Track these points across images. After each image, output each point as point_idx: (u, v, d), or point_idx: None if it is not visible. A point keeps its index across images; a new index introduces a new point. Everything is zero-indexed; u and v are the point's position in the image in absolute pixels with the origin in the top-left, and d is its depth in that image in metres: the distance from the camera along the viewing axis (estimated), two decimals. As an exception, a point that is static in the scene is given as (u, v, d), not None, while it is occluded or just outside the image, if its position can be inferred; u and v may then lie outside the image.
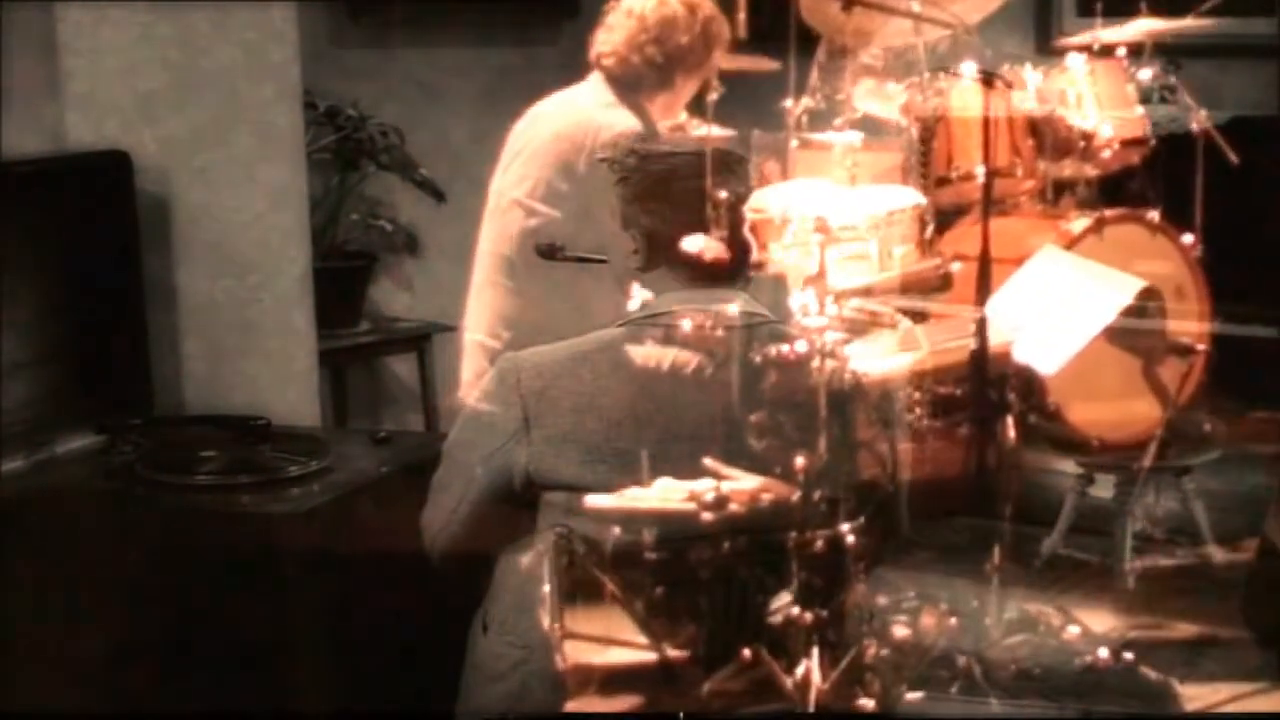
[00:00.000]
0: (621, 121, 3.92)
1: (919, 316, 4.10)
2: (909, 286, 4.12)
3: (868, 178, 4.50)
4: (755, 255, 2.93)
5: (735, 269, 2.81)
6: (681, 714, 2.53)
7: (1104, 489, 4.65)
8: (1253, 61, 6.24)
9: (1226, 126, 4.89)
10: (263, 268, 3.92)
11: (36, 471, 3.50)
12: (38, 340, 3.57)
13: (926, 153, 4.64)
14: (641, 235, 2.80)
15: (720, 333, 2.71)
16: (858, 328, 3.91)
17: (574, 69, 4.13)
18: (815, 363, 2.66)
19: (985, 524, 3.99)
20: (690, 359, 2.71)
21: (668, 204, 2.78)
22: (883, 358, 3.65)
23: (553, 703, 2.59)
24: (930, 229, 4.41)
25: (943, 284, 4.13)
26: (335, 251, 5.51)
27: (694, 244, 2.76)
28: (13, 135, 3.61)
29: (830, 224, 4.02)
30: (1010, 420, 3.78)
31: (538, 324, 3.77)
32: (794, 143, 4.58)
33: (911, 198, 4.41)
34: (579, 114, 4.00)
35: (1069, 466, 4.75)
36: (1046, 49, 5.93)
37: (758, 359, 2.71)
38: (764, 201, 4.14)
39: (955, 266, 4.15)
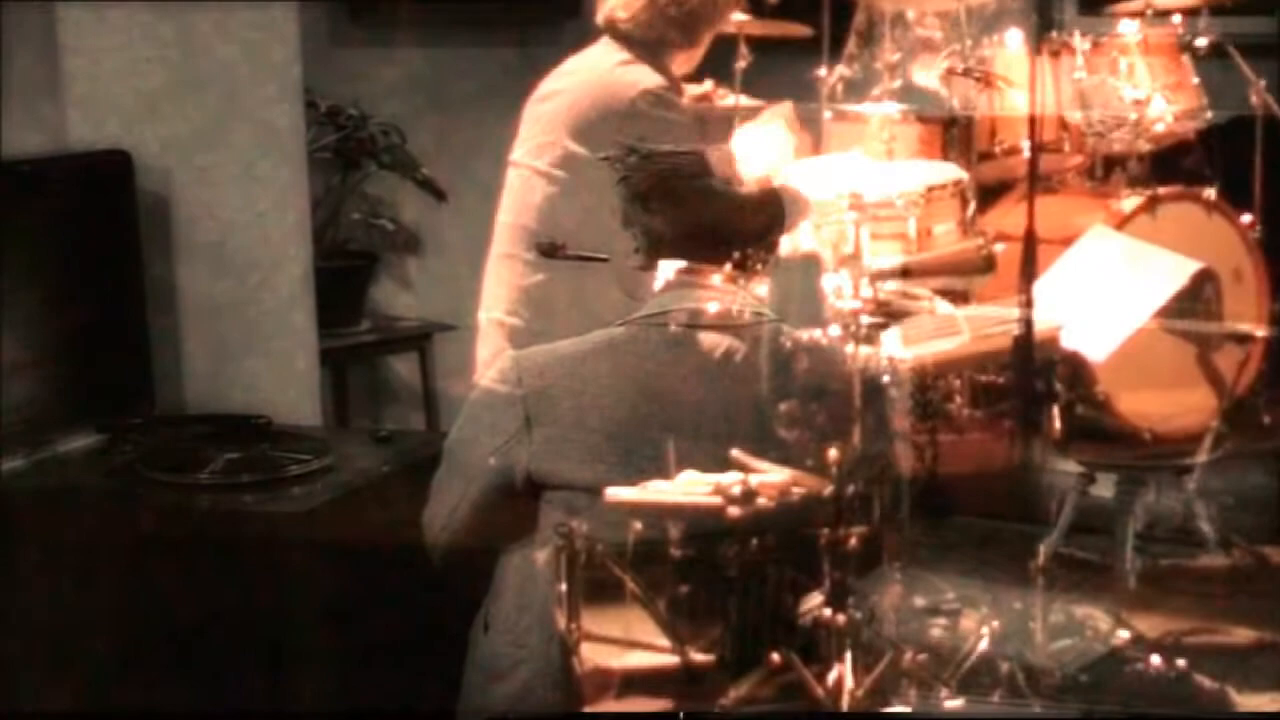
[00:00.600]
0: (645, 78, 3.79)
1: (960, 300, 3.88)
2: (949, 268, 3.86)
3: (906, 152, 4.29)
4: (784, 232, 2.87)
5: (737, 269, 2.81)
6: (681, 714, 2.52)
7: (1104, 489, 4.65)
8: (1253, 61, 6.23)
9: (1228, 125, 4.75)
10: (263, 267, 3.92)
11: (36, 471, 3.50)
12: (38, 340, 3.56)
13: (969, 126, 4.41)
14: (642, 234, 2.80)
15: (721, 332, 2.71)
16: (894, 311, 3.66)
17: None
18: (849, 348, 2.58)
19: (985, 524, 3.97)
20: (691, 358, 2.71)
21: (668, 203, 2.78)
22: (921, 343, 3.52)
23: (553, 703, 2.59)
24: (972, 207, 4.16)
25: (985, 265, 3.79)
26: (336, 251, 5.51)
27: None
28: (13, 135, 3.61)
29: (865, 200, 3.82)
30: (1056, 411, 3.69)
31: (557, 301, 3.71)
32: (828, 114, 4.32)
33: (952, 173, 4.16)
34: (598, 75, 3.86)
35: (1069, 466, 4.74)
36: (1096, 14, 5.33)
37: (787, 344, 2.67)
38: (795, 177, 3.85)
39: (999, 247, 3.81)
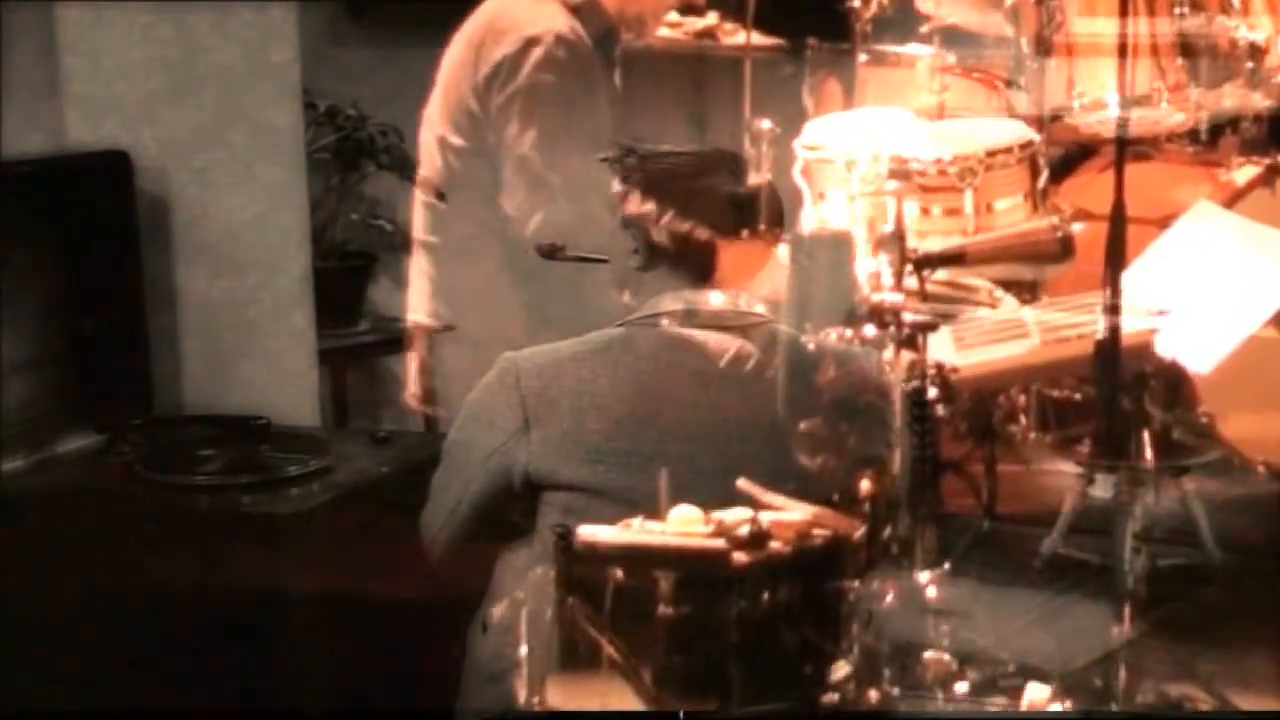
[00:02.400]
0: (541, 20, 3.34)
1: (1027, 294, 3.30)
2: (1015, 253, 3.20)
3: (961, 106, 3.63)
4: (804, 208, 2.60)
5: (737, 268, 2.80)
6: (681, 713, 2.50)
7: (1104, 489, 4.64)
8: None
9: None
10: (263, 268, 3.92)
11: (36, 471, 3.50)
12: (38, 340, 3.57)
13: (1041, 74, 3.62)
14: (641, 235, 2.80)
15: (720, 333, 2.71)
16: (944, 308, 3.09)
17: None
18: (888, 353, 2.20)
19: (986, 523, 3.85)
20: (691, 359, 2.71)
21: (667, 204, 2.78)
22: (978, 349, 2.96)
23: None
24: (1044, 177, 3.43)
25: (1060, 251, 3.15)
26: (335, 251, 5.51)
27: None
28: (13, 135, 3.61)
29: (910, 167, 3.18)
30: (1147, 436, 3.10)
31: (474, 301, 3.44)
32: (862, 57, 3.62)
33: (1019, 133, 3.43)
34: (488, 11, 3.48)
35: (1069, 466, 4.73)
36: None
37: (811, 346, 2.41)
38: (821, 136, 3.32)
39: (1076, 227, 3.20)
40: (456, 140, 3.57)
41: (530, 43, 3.39)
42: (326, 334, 4.47)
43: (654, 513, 2.35)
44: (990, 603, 3.45)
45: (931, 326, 2.61)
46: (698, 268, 2.76)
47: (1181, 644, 3.16)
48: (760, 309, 2.78)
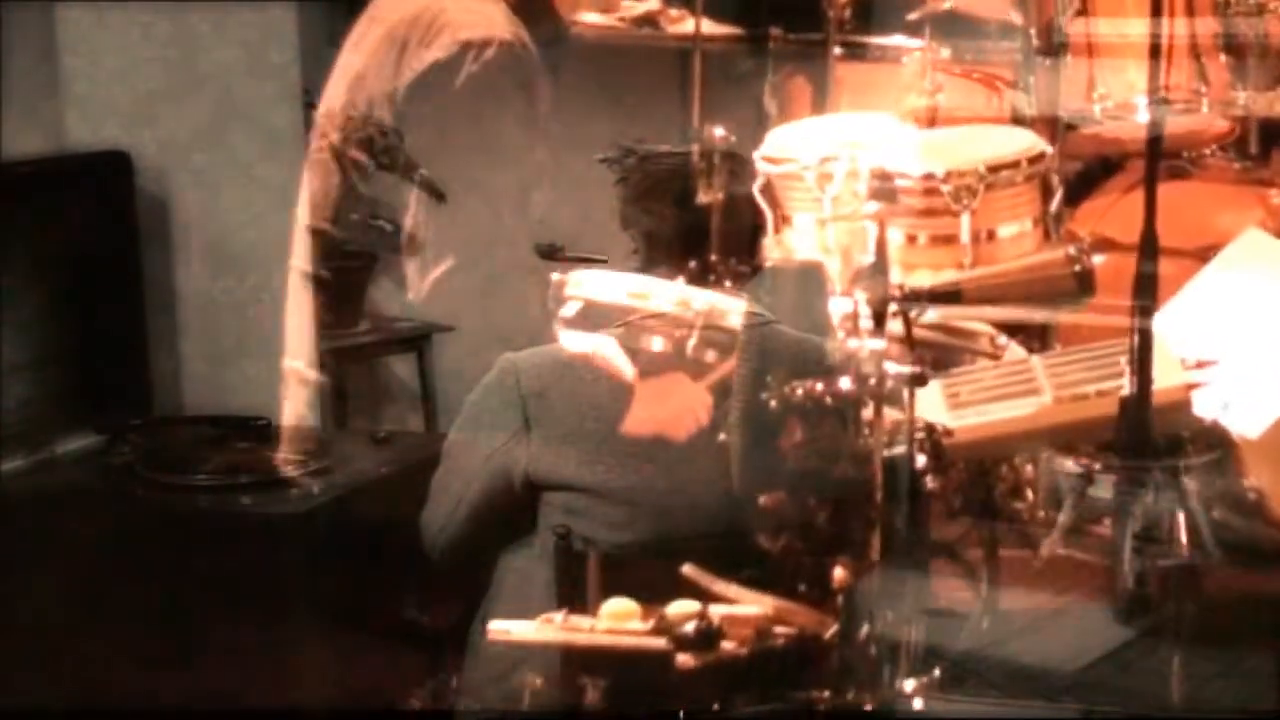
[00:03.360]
0: (481, 23, 2.92)
1: (1038, 340, 2.84)
2: (1022, 290, 2.66)
3: (958, 109, 3.08)
4: (768, 235, 2.28)
5: (737, 268, 2.80)
6: (681, 713, 2.50)
7: (1104, 489, 4.63)
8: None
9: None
10: (263, 268, 3.92)
11: (36, 471, 3.50)
12: (38, 340, 3.57)
13: (1055, 72, 3.04)
14: (641, 235, 2.80)
15: (719, 333, 2.70)
16: (937, 355, 2.65)
17: (574, 69, 4.12)
18: (867, 411, 1.80)
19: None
20: (690, 361, 2.70)
21: (667, 204, 2.78)
22: (976, 408, 2.45)
23: (551, 703, 2.58)
24: (1058, 197, 2.76)
25: (1078, 288, 2.64)
26: (335, 251, 5.50)
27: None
28: (13, 135, 3.61)
29: (895, 184, 2.51)
30: (1182, 518, 2.56)
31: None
32: (838, 50, 3.05)
33: (1027, 143, 2.77)
34: (416, 1, 3.00)
35: (1069, 466, 4.72)
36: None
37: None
38: (786, 146, 2.76)
39: (1097, 260, 2.68)
40: (357, 154, 3.19)
41: (467, 48, 2.96)
42: (326, 334, 4.47)
43: (654, 513, 2.34)
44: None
45: (920, 380, 2.16)
46: (697, 268, 2.76)
47: (1181, 644, 2.92)
48: (760, 309, 2.78)
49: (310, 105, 4.93)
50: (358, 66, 3.06)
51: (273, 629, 3.20)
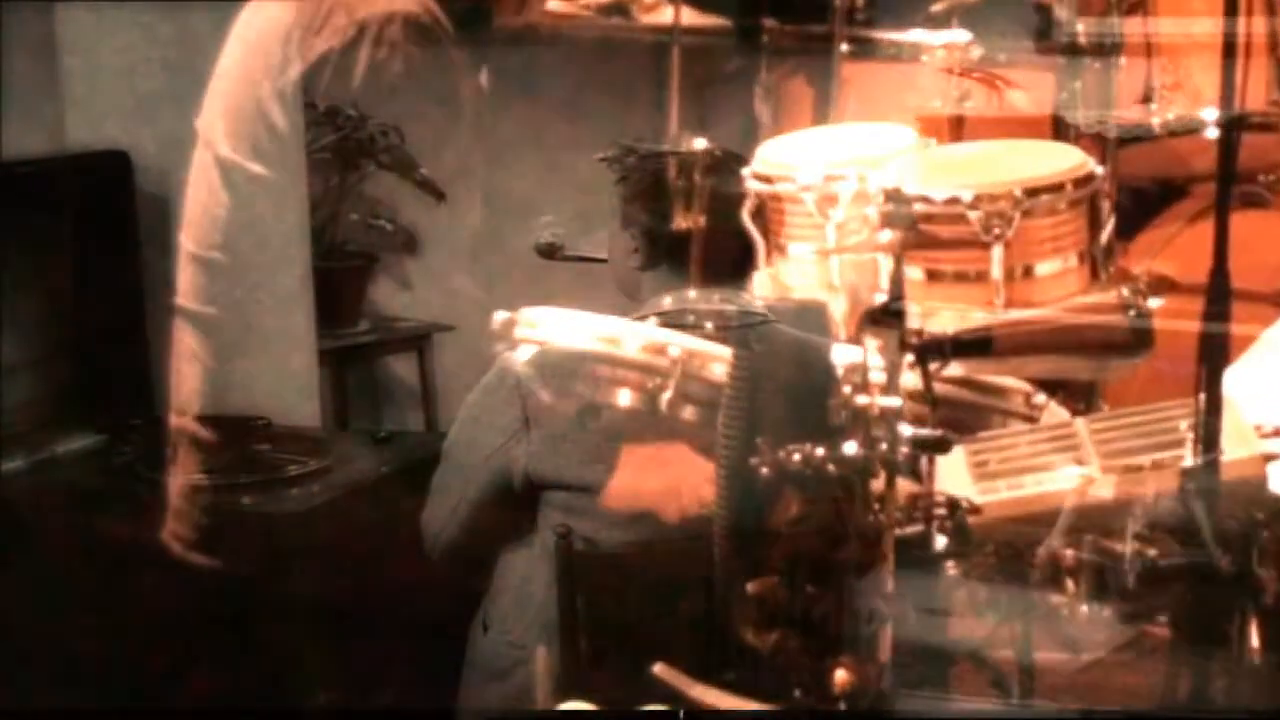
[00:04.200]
0: None
1: (1082, 400, 2.44)
2: (1065, 340, 2.23)
3: (987, 122, 2.72)
4: (759, 268, 2.05)
5: (736, 267, 2.80)
6: (681, 713, 2.50)
7: (1104, 489, 4.62)
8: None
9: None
10: (263, 268, 3.92)
11: (36, 471, 3.50)
12: (38, 340, 3.57)
13: (1104, 74, 2.56)
14: (641, 234, 2.80)
15: (718, 332, 2.70)
16: (962, 415, 2.28)
17: (573, 69, 4.12)
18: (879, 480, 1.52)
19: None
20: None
21: (667, 203, 2.78)
22: (1008, 480, 2.10)
23: (552, 702, 2.59)
24: (1109, 227, 2.27)
25: (1133, 339, 2.21)
26: (335, 251, 5.51)
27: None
28: (13, 135, 3.61)
29: (913, 207, 2.12)
30: (1255, 617, 2.09)
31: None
32: (845, 46, 2.61)
33: (1071, 161, 2.28)
34: None
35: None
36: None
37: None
38: (781, 158, 2.37)
39: (1155, 302, 2.23)
40: (249, 165, 2.83)
41: (364, 29, 2.59)
42: (326, 334, 4.47)
43: (653, 513, 2.34)
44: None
45: (942, 445, 1.87)
46: (698, 267, 2.76)
47: (1182, 644, 2.87)
48: (760, 309, 2.78)
49: (311, 105, 4.95)
50: (240, 67, 2.80)
51: (273, 629, 3.20)
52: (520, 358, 2.76)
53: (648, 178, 2.80)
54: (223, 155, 2.68)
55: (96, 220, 3.68)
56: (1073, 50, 2.54)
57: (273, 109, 2.74)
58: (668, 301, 2.75)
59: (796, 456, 1.61)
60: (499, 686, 2.72)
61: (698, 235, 2.74)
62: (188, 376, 2.83)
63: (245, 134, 2.69)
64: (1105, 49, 2.52)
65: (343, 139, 5.40)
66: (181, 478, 2.81)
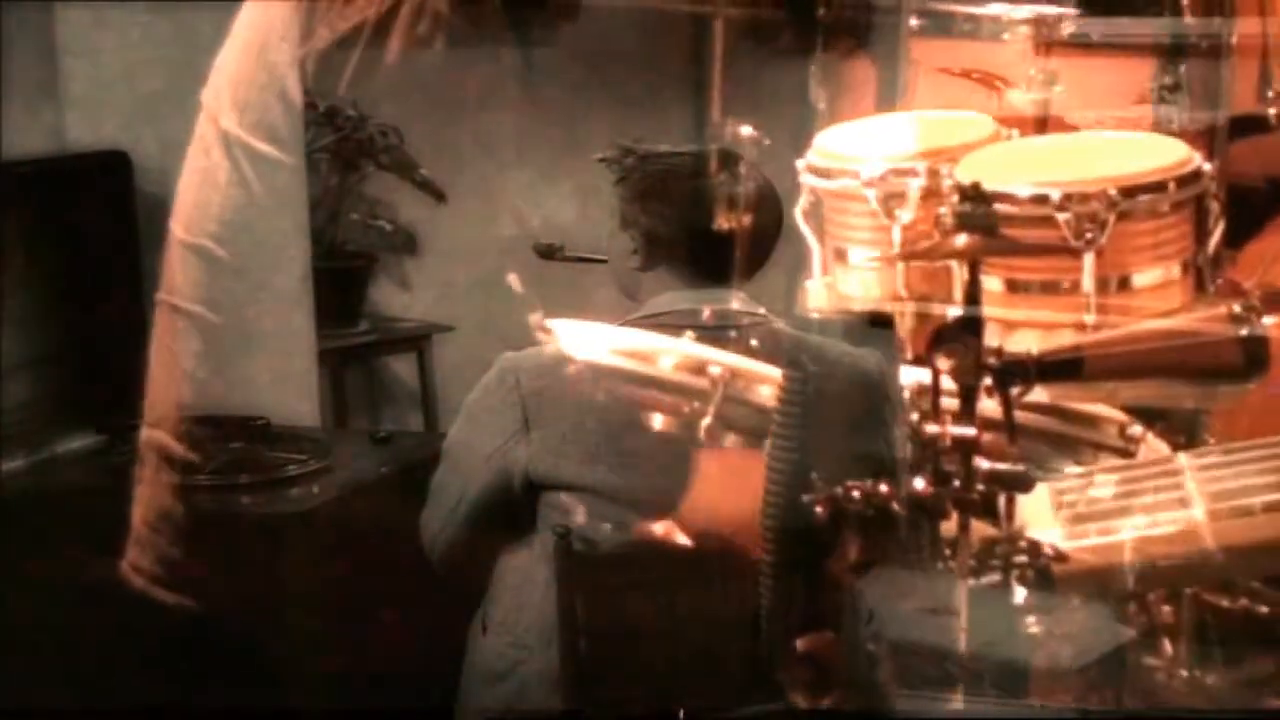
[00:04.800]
0: None
1: (1185, 433, 2.17)
2: (1167, 362, 1.92)
3: (1077, 110, 2.37)
4: (813, 276, 1.80)
5: (737, 268, 2.80)
6: (681, 713, 2.50)
7: (1104, 489, 4.62)
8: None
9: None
10: (263, 268, 3.92)
11: (36, 471, 3.50)
12: (38, 340, 3.57)
13: (1215, 59, 2.23)
14: (640, 235, 2.80)
15: (718, 333, 2.70)
16: (1047, 448, 2.09)
17: (573, 69, 4.12)
18: (947, 525, 1.39)
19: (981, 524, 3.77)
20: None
21: (667, 203, 2.78)
22: (1099, 523, 1.93)
23: (552, 703, 2.59)
24: (1218, 233, 2.06)
25: (1245, 361, 1.91)
26: (335, 251, 5.51)
27: None
28: (13, 135, 3.61)
29: (990, 207, 1.82)
30: None
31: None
32: (913, 21, 2.36)
33: (1174, 156, 2.06)
34: None
35: (1068, 466, 4.69)
36: None
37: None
38: (841, 150, 2.19)
39: (1269, 320, 1.95)
40: (255, 143, 2.69)
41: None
42: (326, 334, 4.47)
43: (653, 513, 2.33)
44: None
45: (1023, 482, 1.65)
46: (697, 268, 2.76)
47: (1181, 644, 2.84)
48: (760, 309, 2.78)
49: (311, 105, 4.95)
50: (255, 30, 2.53)
51: (272, 628, 3.20)
52: (521, 358, 2.77)
53: (647, 178, 2.80)
54: (227, 129, 2.44)
55: (96, 220, 3.68)
56: (1179, 34, 2.15)
57: (289, 80, 2.38)
58: (667, 302, 2.75)
59: (856, 494, 1.45)
60: (498, 687, 2.72)
61: (699, 235, 2.75)
62: (166, 377, 2.55)
63: (255, 105, 2.41)
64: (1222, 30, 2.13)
65: (343, 139, 5.41)
66: (150, 486, 2.51)
